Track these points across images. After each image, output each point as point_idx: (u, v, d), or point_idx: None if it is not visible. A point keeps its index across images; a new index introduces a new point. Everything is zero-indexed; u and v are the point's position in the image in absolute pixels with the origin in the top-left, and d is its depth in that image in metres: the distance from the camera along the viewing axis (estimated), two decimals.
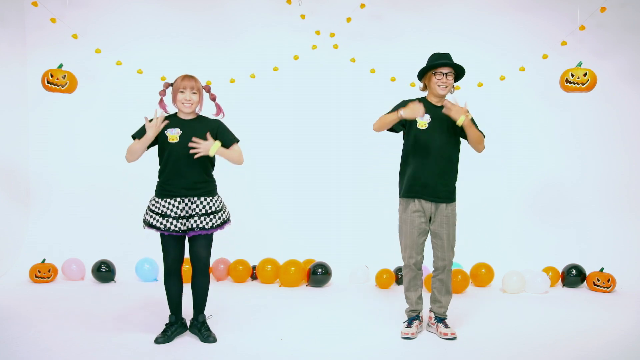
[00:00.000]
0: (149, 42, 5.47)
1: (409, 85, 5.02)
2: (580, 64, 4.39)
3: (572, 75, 4.34)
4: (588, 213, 5.44)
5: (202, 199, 3.27)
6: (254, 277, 5.07)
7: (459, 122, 3.28)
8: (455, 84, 3.55)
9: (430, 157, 3.39)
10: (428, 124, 3.39)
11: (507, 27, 5.43)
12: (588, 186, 5.46)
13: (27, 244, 5.39)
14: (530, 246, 5.36)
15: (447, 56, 3.42)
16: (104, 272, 4.89)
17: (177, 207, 3.23)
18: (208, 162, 3.32)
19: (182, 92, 3.23)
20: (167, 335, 3.32)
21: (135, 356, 3.10)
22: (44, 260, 5.00)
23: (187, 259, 3.48)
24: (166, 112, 3.33)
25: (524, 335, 3.50)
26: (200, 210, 3.26)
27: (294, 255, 5.11)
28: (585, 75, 4.32)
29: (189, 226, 3.24)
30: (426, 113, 3.36)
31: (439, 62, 3.37)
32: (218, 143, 3.23)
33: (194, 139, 3.17)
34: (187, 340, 3.37)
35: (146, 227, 3.30)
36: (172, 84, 3.30)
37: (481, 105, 5.26)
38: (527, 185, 5.53)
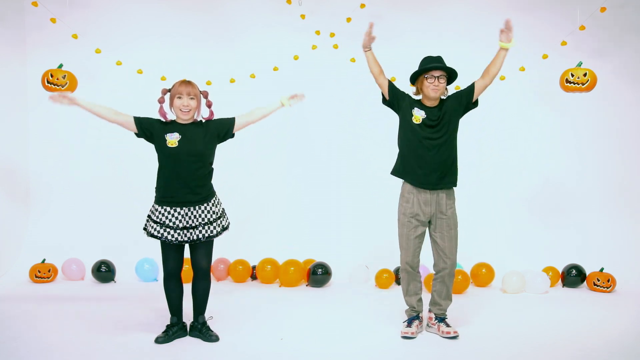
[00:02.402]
0: (149, 42, 5.47)
1: (409, 86, 5.02)
2: (580, 64, 4.39)
3: (572, 75, 4.34)
4: (588, 213, 5.43)
5: (202, 207, 3.27)
6: (254, 277, 5.07)
7: (507, 46, 3.49)
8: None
9: (426, 153, 3.39)
10: (422, 119, 3.40)
11: None
12: (588, 186, 5.46)
13: (27, 244, 5.38)
14: (530, 246, 5.35)
15: (438, 59, 3.42)
16: (104, 272, 4.89)
17: (177, 218, 3.24)
18: (207, 166, 3.32)
19: (179, 97, 3.22)
20: (168, 335, 3.32)
21: (135, 356, 3.10)
22: (44, 260, 5.00)
23: (187, 259, 3.49)
24: (166, 120, 3.30)
25: (524, 335, 3.50)
26: (202, 220, 3.26)
27: (294, 255, 5.11)
28: (585, 75, 4.31)
29: (190, 237, 3.25)
30: (422, 115, 3.40)
31: (431, 66, 3.36)
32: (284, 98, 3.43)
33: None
34: (188, 340, 3.37)
35: (148, 236, 3.32)
36: (169, 90, 3.30)
37: (481, 105, 5.26)
38: (527, 185, 5.52)
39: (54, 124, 5.52)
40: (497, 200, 5.51)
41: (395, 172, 3.55)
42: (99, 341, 3.33)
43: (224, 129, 3.34)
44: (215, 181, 3.41)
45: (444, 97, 3.48)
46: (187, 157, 3.21)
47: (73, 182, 5.52)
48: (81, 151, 5.54)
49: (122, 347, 3.24)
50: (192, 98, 3.23)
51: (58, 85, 4.39)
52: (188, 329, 3.46)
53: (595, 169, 5.46)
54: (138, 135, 3.31)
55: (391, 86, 3.52)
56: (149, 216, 3.32)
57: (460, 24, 5.44)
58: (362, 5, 5.12)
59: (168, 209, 3.25)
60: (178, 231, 3.24)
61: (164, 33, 5.48)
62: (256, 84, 5.30)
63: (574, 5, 4.91)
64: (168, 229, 3.24)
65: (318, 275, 4.79)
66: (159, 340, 3.29)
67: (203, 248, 3.33)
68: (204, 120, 3.36)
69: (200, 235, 3.26)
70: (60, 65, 4.49)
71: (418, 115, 3.41)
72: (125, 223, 5.21)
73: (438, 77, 3.36)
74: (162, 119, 3.32)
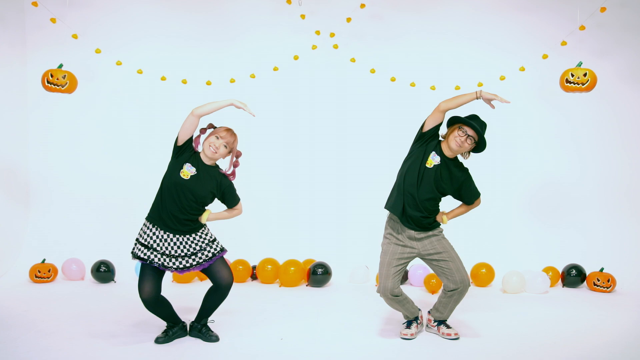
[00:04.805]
0: (149, 42, 5.47)
1: (409, 85, 5.02)
2: (580, 64, 4.39)
3: (572, 75, 4.34)
4: (588, 213, 5.44)
5: (189, 237, 3.26)
6: (254, 277, 5.07)
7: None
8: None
9: (421, 193, 3.31)
10: (434, 165, 3.33)
11: (507, 27, 5.43)
12: (588, 186, 5.46)
13: (27, 244, 5.39)
14: (530, 246, 5.36)
15: (482, 124, 3.34)
16: (104, 272, 4.89)
17: (162, 243, 3.21)
18: (202, 208, 3.30)
19: (217, 137, 3.23)
20: (168, 335, 3.32)
21: (135, 356, 3.10)
22: (44, 260, 5.00)
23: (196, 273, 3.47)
24: (195, 150, 3.30)
25: (524, 335, 3.50)
26: (187, 250, 3.25)
27: (294, 255, 5.11)
28: (585, 75, 4.31)
29: (172, 265, 3.23)
30: (437, 161, 3.33)
31: (471, 123, 3.25)
32: (207, 212, 3.31)
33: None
34: (188, 340, 3.37)
35: (134, 259, 3.25)
36: (215, 127, 3.30)
37: (481, 106, 5.29)
38: (527, 185, 5.53)
39: (54, 124, 5.52)
40: (498, 200, 5.51)
41: (388, 205, 3.45)
42: (99, 341, 3.33)
43: (226, 197, 3.39)
44: None
45: (462, 161, 3.41)
46: (189, 194, 3.21)
47: (73, 182, 5.52)
48: (81, 151, 5.54)
49: (122, 347, 3.24)
50: (225, 146, 3.25)
51: (58, 85, 4.39)
52: (188, 329, 3.46)
53: (595, 169, 5.46)
54: (183, 144, 3.25)
55: (438, 126, 3.40)
56: (137, 239, 3.28)
57: (460, 24, 5.44)
58: (362, 5, 5.12)
59: (156, 230, 3.23)
60: (164, 257, 3.22)
61: (164, 33, 5.48)
62: (256, 84, 5.31)
63: (574, 5, 4.91)
64: (155, 252, 3.21)
65: (318, 275, 4.79)
66: (159, 340, 3.29)
67: (220, 264, 3.31)
68: (224, 173, 3.35)
69: (186, 264, 3.25)
70: (60, 65, 4.49)
71: (432, 160, 3.33)
72: (125, 223, 5.21)
73: (469, 136, 3.26)
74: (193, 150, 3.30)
